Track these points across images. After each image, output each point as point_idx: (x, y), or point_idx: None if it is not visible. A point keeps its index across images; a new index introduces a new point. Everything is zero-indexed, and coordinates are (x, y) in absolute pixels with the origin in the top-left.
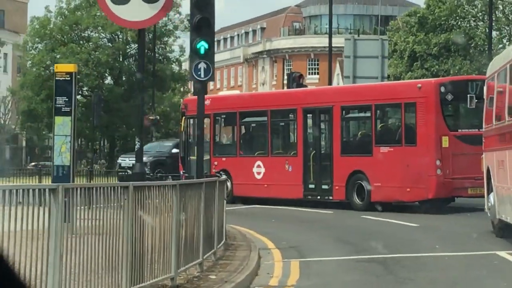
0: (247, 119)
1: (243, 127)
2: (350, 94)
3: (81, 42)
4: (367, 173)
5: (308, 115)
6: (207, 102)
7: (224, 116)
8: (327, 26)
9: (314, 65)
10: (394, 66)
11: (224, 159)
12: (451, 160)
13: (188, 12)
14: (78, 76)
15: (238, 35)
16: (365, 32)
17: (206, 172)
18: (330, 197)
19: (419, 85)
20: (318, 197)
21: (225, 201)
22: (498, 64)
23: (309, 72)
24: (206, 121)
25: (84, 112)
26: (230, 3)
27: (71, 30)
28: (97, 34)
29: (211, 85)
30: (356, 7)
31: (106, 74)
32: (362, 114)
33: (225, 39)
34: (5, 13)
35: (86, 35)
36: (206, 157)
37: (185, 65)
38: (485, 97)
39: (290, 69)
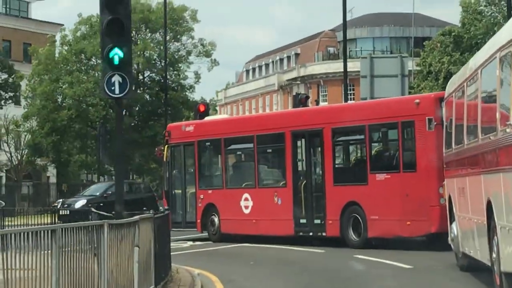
0: (232, 146)
1: (229, 155)
2: (341, 114)
3: (87, 70)
4: (362, 204)
5: (297, 139)
6: (191, 128)
7: (209, 143)
8: (363, 50)
9: (350, 90)
10: (429, 88)
11: (210, 191)
12: None
13: (202, 36)
14: (84, 106)
15: (272, 62)
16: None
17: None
18: (323, 233)
19: (417, 100)
20: (311, 234)
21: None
22: (456, 82)
23: (344, 98)
24: (191, 149)
25: (93, 145)
26: (262, 30)
27: (77, 59)
28: None
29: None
30: (392, 29)
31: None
32: (355, 137)
33: (259, 67)
34: (12, 43)
35: (93, 63)
36: (192, 190)
37: (201, 92)
38: (444, 118)
39: (326, 94)
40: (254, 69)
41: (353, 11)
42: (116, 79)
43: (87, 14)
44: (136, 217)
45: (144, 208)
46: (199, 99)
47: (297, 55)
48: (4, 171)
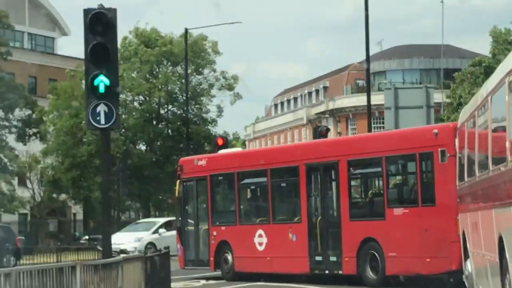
0: (246, 181)
1: (242, 190)
2: (357, 146)
3: None
4: (380, 240)
5: (312, 172)
6: (203, 162)
7: (222, 177)
8: (393, 82)
9: (379, 123)
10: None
11: (223, 228)
12: None
13: (224, 68)
14: None
15: (301, 95)
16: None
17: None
18: (340, 271)
19: (436, 130)
20: (326, 271)
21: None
22: (467, 111)
23: (374, 131)
24: (203, 184)
25: (114, 181)
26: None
27: None
28: (124, 96)
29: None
30: (422, 61)
31: (137, 139)
32: (371, 169)
33: (288, 101)
34: (37, 79)
35: None
36: (205, 226)
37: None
38: (457, 149)
39: (355, 128)
40: (282, 103)
41: (382, 43)
42: (102, 108)
43: None
44: (119, 257)
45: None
46: (222, 133)
47: (325, 88)
48: (29, 208)
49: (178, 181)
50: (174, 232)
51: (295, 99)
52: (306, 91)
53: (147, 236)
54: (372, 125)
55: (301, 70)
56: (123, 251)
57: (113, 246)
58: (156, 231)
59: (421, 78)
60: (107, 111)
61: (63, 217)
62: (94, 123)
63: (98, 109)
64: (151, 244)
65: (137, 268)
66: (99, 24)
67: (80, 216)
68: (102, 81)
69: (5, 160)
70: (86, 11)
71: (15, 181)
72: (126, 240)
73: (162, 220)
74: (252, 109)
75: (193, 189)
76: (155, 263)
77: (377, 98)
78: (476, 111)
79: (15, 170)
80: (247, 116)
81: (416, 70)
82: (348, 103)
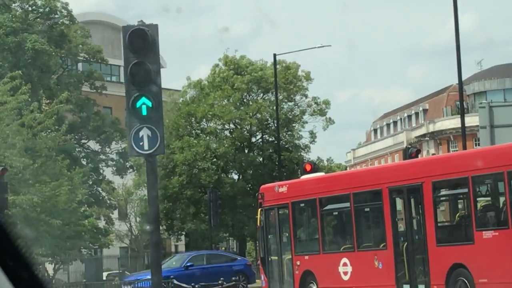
0: (328, 206)
1: (324, 216)
2: (442, 166)
3: (197, 133)
4: (469, 266)
5: (396, 196)
6: (284, 189)
7: (303, 204)
8: (494, 102)
9: (478, 145)
10: None
11: (307, 257)
12: None
13: (315, 94)
14: (195, 172)
15: (400, 119)
16: None
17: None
18: None
19: None
20: None
21: None
22: None
23: None
24: (285, 211)
25: (206, 211)
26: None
27: (187, 122)
28: (214, 124)
29: None
30: None
31: (229, 168)
32: (458, 190)
33: (387, 125)
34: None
35: (203, 126)
36: (288, 255)
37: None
38: None
39: (456, 150)
40: (382, 128)
41: (482, 63)
42: (145, 132)
43: (196, 78)
44: None
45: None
46: (315, 159)
47: (425, 111)
48: (129, 242)
49: (259, 209)
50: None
51: (395, 123)
52: (405, 115)
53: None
54: (474, 147)
55: (404, 94)
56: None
57: None
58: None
59: None
60: (150, 136)
61: (162, 249)
62: (137, 149)
63: (141, 133)
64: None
65: None
66: (140, 41)
67: (182, 248)
68: (144, 103)
69: (103, 193)
70: (125, 28)
71: (115, 215)
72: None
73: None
74: (354, 135)
75: (275, 217)
76: None
77: (477, 120)
78: None
79: (113, 203)
80: (349, 142)
81: None
82: (448, 125)
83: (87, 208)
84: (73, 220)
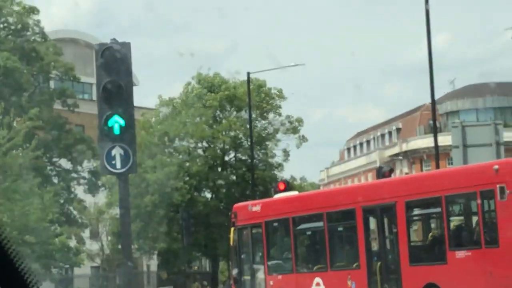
0: (302, 226)
1: (298, 235)
2: (415, 186)
3: (170, 152)
4: (442, 286)
5: (369, 215)
6: (257, 207)
7: (277, 224)
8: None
9: (451, 164)
10: None
11: (280, 277)
12: None
13: (289, 113)
14: (168, 191)
15: (373, 138)
16: (507, 125)
17: None
18: None
19: (496, 166)
20: None
21: None
22: None
23: None
24: (258, 231)
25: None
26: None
27: (159, 140)
28: (186, 143)
29: None
30: (496, 99)
31: (202, 186)
32: (431, 210)
33: (361, 144)
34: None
35: (176, 145)
36: (261, 275)
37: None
38: None
39: (429, 169)
40: (355, 146)
41: (455, 82)
42: (117, 151)
43: (167, 96)
44: None
45: None
46: (289, 178)
47: (398, 130)
48: (100, 261)
49: (232, 228)
50: None
51: (368, 141)
52: (379, 133)
53: None
54: (447, 166)
55: (379, 113)
56: None
57: None
58: None
59: (496, 117)
60: (123, 154)
61: (135, 269)
62: (109, 168)
63: (113, 152)
64: None
65: None
66: (112, 59)
67: (154, 267)
68: (117, 122)
69: (74, 212)
70: (98, 46)
71: (86, 234)
72: None
73: None
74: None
75: (248, 236)
76: None
77: (450, 139)
78: None
79: (85, 222)
80: (323, 160)
81: (490, 109)
82: (421, 144)
83: (58, 227)
84: (44, 239)
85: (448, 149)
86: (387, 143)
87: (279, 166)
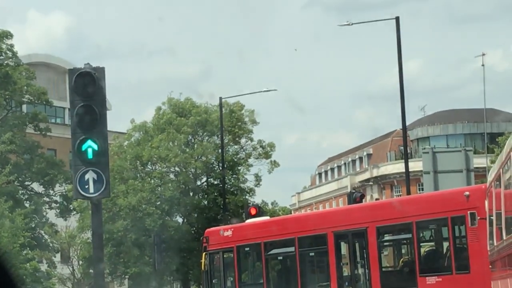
0: (273, 251)
1: (269, 260)
2: (386, 211)
3: (142, 177)
4: None
5: (340, 240)
6: (229, 232)
7: (248, 248)
8: (437, 148)
9: (421, 190)
10: None
11: None
12: None
13: (261, 137)
14: (140, 215)
15: (345, 163)
16: (477, 151)
17: None
18: None
19: (467, 193)
20: None
21: None
22: (494, 169)
23: None
24: (230, 256)
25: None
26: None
27: (131, 165)
28: (159, 168)
29: None
30: (466, 126)
31: (173, 211)
32: (402, 236)
33: (332, 169)
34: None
35: (148, 169)
36: None
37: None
38: (487, 211)
39: (400, 195)
40: (326, 172)
41: (425, 109)
42: (90, 176)
43: (140, 120)
44: None
45: None
46: (260, 202)
47: (369, 155)
48: (71, 285)
49: (204, 253)
50: None
51: (339, 167)
52: (350, 159)
53: None
54: (418, 192)
55: (351, 138)
56: None
57: None
58: None
59: (466, 143)
60: (96, 179)
61: None
62: (82, 192)
63: (87, 176)
64: None
65: None
66: (86, 84)
67: None
68: (90, 146)
69: (46, 236)
70: (72, 71)
71: (57, 258)
72: None
73: None
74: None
75: (219, 261)
76: None
77: (421, 165)
78: (501, 168)
79: (56, 246)
80: (295, 185)
81: (460, 135)
82: (392, 170)
83: (29, 251)
84: (15, 263)
85: (418, 174)
86: (358, 169)
87: (251, 191)
